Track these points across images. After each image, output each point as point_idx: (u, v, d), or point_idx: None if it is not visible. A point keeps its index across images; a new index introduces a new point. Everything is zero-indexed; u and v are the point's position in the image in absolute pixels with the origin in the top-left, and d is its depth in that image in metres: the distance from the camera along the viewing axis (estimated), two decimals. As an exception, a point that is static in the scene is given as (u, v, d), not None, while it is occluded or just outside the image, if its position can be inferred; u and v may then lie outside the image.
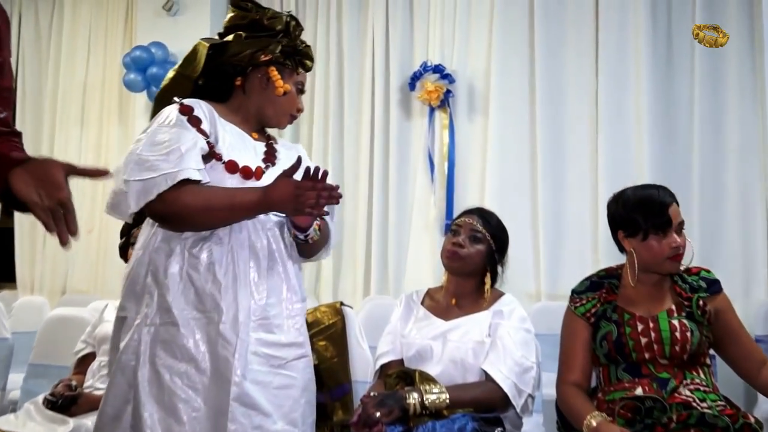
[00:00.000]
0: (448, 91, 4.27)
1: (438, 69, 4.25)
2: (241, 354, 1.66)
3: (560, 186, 4.12)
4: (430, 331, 2.22)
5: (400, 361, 2.23)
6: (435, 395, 2.00)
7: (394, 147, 4.43)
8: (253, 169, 1.78)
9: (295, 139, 4.62)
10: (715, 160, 3.90)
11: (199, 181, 1.68)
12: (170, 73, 1.90)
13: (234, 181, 1.74)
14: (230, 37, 1.86)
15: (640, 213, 1.98)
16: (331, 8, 4.66)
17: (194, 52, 1.85)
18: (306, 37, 4.59)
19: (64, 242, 1.37)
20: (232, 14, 1.91)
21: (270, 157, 1.87)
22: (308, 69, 1.95)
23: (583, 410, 1.93)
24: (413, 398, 1.98)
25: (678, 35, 4.01)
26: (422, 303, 2.33)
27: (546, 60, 4.19)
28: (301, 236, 1.79)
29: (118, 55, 5.11)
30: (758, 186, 3.82)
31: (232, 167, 1.75)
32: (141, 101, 4.88)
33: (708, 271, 2.05)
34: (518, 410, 2.06)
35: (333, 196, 1.66)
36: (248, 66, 1.84)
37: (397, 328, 2.30)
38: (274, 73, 1.84)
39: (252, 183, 1.75)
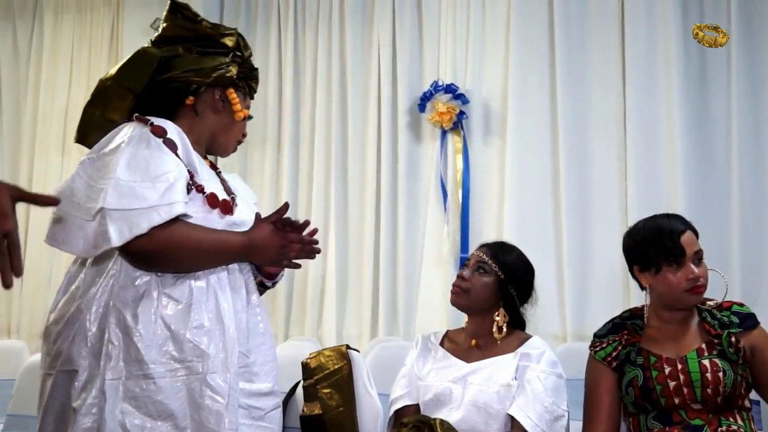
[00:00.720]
0: (462, 113, 4.28)
1: (450, 89, 4.27)
2: (233, 406, 1.64)
3: (586, 217, 4.13)
4: (450, 373, 2.20)
5: (417, 407, 2.22)
6: None
7: (403, 174, 4.44)
8: (228, 203, 1.78)
9: (294, 166, 4.67)
10: (756, 185, 3.92)
11: (186, 216, 1.65)
12: (104, 79, 1.84)
13: (214, 217, 1.72)
14: (180, 50, 1.84)
15: (651, 244, 2.03)
16: (333, 23, 4.69)
17: (138, 60, 1.80)
18: (306, 53, 4.75)
19: (6, 284, 1.28)
20: (172, 23, 1.87)
21: (228, 188, 1.87)
22: (253, 94, 1.97)
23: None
24: None
25: (711, 50, 4.01)
26: (441, 344, 2.32)
27: (568, 78, 4.21)
28: (269, 283, 1.88)
29: (101, 74, 5.16)
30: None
31: (212, 201, 1.73)
32: (128, 126, 4.92)
33: (741, 305, 2.06)
34: None
35: (314, 251, 1.77)
36: (202, 86, 1.82)
37: (413, 370, 2.28)
38: (233, 95, 1.84)
39: (227, 218, 1.74)
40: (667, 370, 1.97)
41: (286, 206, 1.79)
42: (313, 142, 4.65)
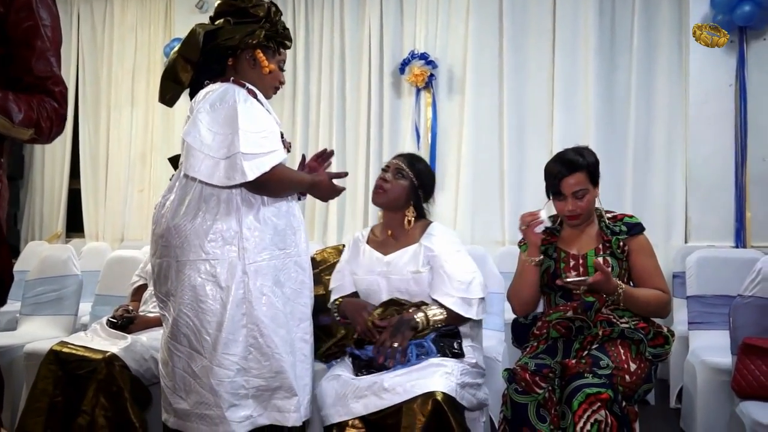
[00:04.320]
0: (432, 75, 4.26)
1: (423, 56, 4.24)
2: (310, 278, 1.83)
3: (522, 151, 4.15)
4: (374, 268, 2.12)
5: (354, 293, 2.17)
6: (434, 311, 1.98)
7: (387, 121, 4.44)
8: (288, 143, 1.85)
9: (306, 115, 4.66)
10: (647, 126, 3.93)
11: None
12: (172, 55, 1.83)
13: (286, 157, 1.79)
14: (220, 22, 1.83)
15: (546, 180, 2.04)
16: (334, 6, 4.62)
17: (192, 35, 1.78)
18: (311, 30, 4.66)
19: None
20: (220, 2, 1.86)
21: None
22: (288, 48, 1.93)
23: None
24: (420, 317, 1.95)
25: (620, 26, 4.00)
26: (367, 242, 2.21)
27: (512, 48, 4.19)
28: (301, 197, 1.93)
29: (159, 45, 5.09)
30: (680, 153, 3.86)
31: (288, 147, 1.80)
32: (180, 85, 4.89)
33: (631, 217, 2.05)
34: (474, 317, 2.02)
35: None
36: (238, 49, 1.81)
37: (345, 267, 2.20)
38: (260, 55, 1.82)
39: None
40: (572, 263, 2.00)
41: (329, 152, 1.95)
42: (319, 98, 4.63)
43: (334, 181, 1.90)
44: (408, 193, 2.12)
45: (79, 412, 2.08)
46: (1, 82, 1.38)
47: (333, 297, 2.18)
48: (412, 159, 2.18)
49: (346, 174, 1.98)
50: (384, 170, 2.16)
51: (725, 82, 3.72)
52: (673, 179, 3.87)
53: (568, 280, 1.92)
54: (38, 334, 2.95)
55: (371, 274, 2.12)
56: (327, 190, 1.89)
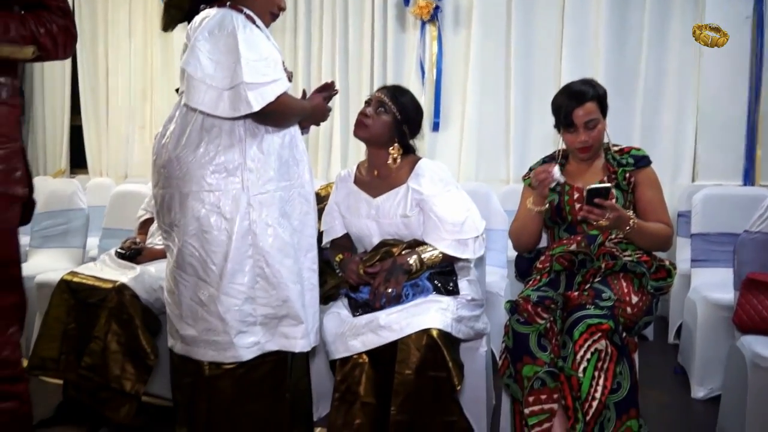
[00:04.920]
0: (437, 7, 4.14)
1: (429, -13, 4.09)
2: (314, 210, 1.82)
3: (529, 87, 4.06)
4: (363, 211, 2.08)
5: (346, 235, 2.15)
6: (429, 252, 1.96)
7: (391, 56, 4.34)
8: (290, 72, 1.81)
9: (308, 48, 4.55)
10: (658, 60, 3.82)
11: None
12: None
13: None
14: None
15: (555, 114, 2.02)
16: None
17: None
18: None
19: None
20: None
21: None
22: None
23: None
24: (413, 260, 1.94)
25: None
26: (354, 181, 2.15)
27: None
28: (304, 132, 1.90)
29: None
30: (691, 88, 3.77)
31: (289, 76, 1.75)
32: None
33: (638, 149, 2.03)
34: (471, 257, 1.99)
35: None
36: None
37: (334, 208, 2.16)
38: None
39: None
40: (576, 195, 1.99)
41: (333, 85, 1.91)
42: (321, 29, 4.52)
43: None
44: (391, 128, 2.04)
45: (92, 338, 2.14)
46: None
47: (325, 240, 2.16)
48: (395, 92, 2.08)
49: (336, 92, 1.94)
50: (366, 103, 2.08)
51: (742, 14, 3.60)
52: (684, 116, 3.79)
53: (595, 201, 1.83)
54: (48, 266, 3.01)
55: (361, 218, 2.09)
56: (321, 111, 1.89)
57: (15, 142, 1.48)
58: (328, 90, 1.92)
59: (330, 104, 1.93)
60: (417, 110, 2.11)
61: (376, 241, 2.07)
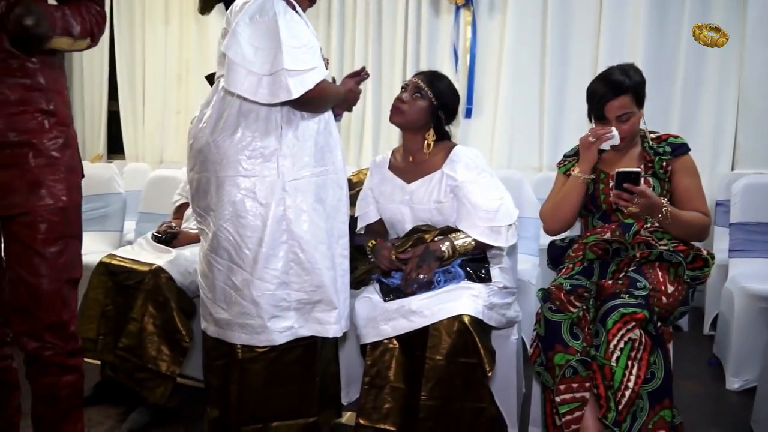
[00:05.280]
0: (472, -9, 4.07)
1: (464, -29, 4.02)
2: (347, 196, 1.84)
3: (564, 74, 3.98)
4: (397, 197, 2.08)
5: (380, 220, 2.16)
6: (462, 239, 1.95)
7: (425, 40, 4.29)
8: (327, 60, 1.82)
9: (341, 36, 4.54)
10: (700, 47, 3.59)
11: None
12: None
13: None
14: None
15: (589, 103, 1.97)
16: None
17: None
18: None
19: None
20: None
21: None
22: None
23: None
24: (446, 246, 1.92)
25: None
26: (389, 167, 2.16)
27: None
28: (337, 119, 1.90)
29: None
30: (733, 74, 3.65)
31: (326, 63, 1.76)
32: (213, 2, 4.81)
33: (676, 137, 1.98)
34: (504, 245, 1.98)
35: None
36: None
37: (369, 194, 2.17)
38: None
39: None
40: (611, 184, 1.93)
41: (364, 70, 1.91)
42: (355, 14, 4.49)
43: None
44: (427, 114, 2.03)
45: (129, 319, 2.19)
46: None
47: (359, 225, 2.18)
48: (432, 77, 2.07)
49: (368, 75, 1.94)
50: (403, 88, 2.08)
51: (787, -1, 3.48)
52: (725, 102, 3.68)
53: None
54: (87, 248, 3.05)
55: (394, 203, 2.09)
56: (354, 96, 1.91)
57: (72, 127, 1.59)
58: (359, 75, 1.92)
59: (360, 87, 1.95)
60: (453, 96, 2.10)
61: (409, 226, 2.06)
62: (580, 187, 1.99)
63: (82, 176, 1.62)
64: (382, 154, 2.23)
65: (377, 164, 2.21)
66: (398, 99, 2.05)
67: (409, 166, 2.11)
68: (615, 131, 1.90)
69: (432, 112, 2.04)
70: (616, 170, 1.80)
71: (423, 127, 2.06)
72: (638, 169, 1.82)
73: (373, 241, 2.11)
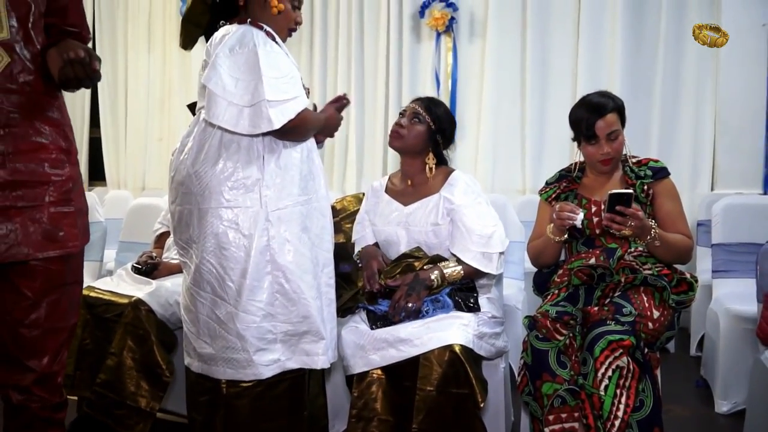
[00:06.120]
0: (452, 18, 4.11)
1: (443, -2, 4.08)
2: (331, 224, 1.81)
3: (544, 98, 4.03)
4: (393, 219, 2.09)
5: (375, 244, 2.15)
6: (451, 268, 1.95)
7: (407, 66, 4.32)
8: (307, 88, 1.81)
9: (323, 61, 4.55)
10: (675, 68, 3.77)
11: None
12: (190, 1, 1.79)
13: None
14: None
15: (575, 126, 1.97)
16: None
17: None
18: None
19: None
20: None
21: None
22: None
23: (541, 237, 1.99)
24: (435, 275, 1.92)
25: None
26: (386, 190, 2.18)
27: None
28: (319, 146, 1.89)
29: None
30: (709, 96, 3.71)
31: (307, 92, 1.75)
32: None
33: (656, 161, 1.99)
34: (494, 272, 1.99)
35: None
36: None
37: (365, 217, 2.18)
38: None
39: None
40: (594, 209, 1.96)
41: (345, 97, 1.90)
42: (337, 41, 4.51)
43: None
44: (425, 138, 2.07)
45: (107, 353, 2.13)
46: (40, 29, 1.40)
47: (356, 248, 2.17)
48: (429, 103, 2.12)
49: (348, 102, 1.92)
50: (401, 114, 2.11)
51: (758, 22, 3.55)
52: (702, 124, 3.74)
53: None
54: (66, 280, 3.00)
55: (390, 225, 2.09)
56: (335, 123, 1.90)
57: (78, 164, 1.53)
58: (339, 102, 1.92)
59: (343, 114, 1.94)
60: (450, 121, 2.14)
61: (403, 249, 2.07)
62: (556, 245, 2.00)
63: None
64: (379, 180, 2.26)
65: (374, 189, 2.22)
66: (397, 124, 2.08)
67: (408, 189, 2.13)
68: (581, 217, 1.88)
69: (430, 136, 2.08)
70: (609, 192, 1.80)
71: (422, 152, 2.09)
72: (630, 191, 1.82)
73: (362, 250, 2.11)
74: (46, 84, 1.39)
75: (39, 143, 1.39)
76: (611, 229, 1.83)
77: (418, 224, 2.05)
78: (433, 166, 2.09)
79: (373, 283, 1.99)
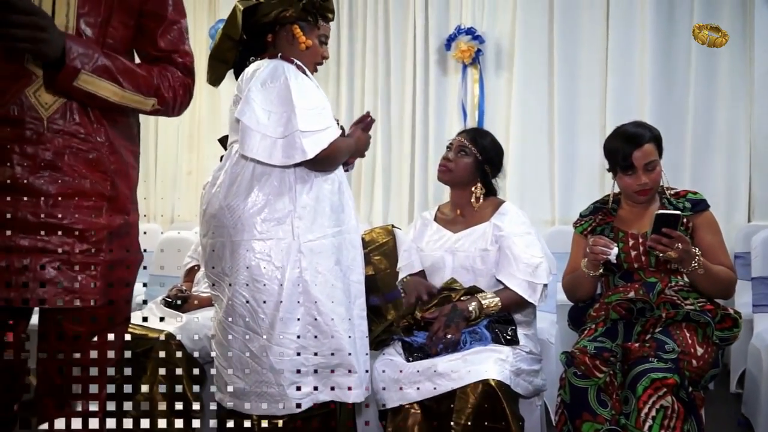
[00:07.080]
0: (479, 51, 4.13)
1: (470, 31, 4.11)
2: (361, 255, 1.81)
3: (573, 128, 4.00)
4: (441, 244, 2.11)
5: (422, 272, 2.15)
6: (489, 299, 1.95)
7: (433, 99, 4.34)
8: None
9: (350, 94, 4.60)
10: (708, 98, 3.71)
11: None
12: (218, 35, 1.81)
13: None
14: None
15: (611, 157, 1.95)
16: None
17: (233, 14, 1.76)
18: (355, 6, 4.59)
19: None
20: None
21: None
22: (329, 20, 1.86)
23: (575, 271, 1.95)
24: (473, 306, 1.92)
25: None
26: (435, 219, 2.22)
27: (563, 21, 4.01)
28: (348, 168, 1.92)
29: (204, 27, 5.10)
30: (743, 125, 3.66)
31: (338, 124, 1.77)
32: (224, 67, 4.91)
33: (695, 193, 1.96)
34: (536, 303, 1.99)
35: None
36: (276, 24, 1.77)
37: (412, 245, 2.18)
38: (297, 30, 1.77)
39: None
40: (631, 242, 1.93)
41: (369, 115, 1.91)
42: (364, 75, 4.55)
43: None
44: (473, 169, 2.10)
45: (137, 389, 2.12)
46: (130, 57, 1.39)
47: (401, 275, 2.15)
48: (475, 134, 2.17)
49: (373, 120, 1.93)
50: (448, 148, 2.16)
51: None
52: (736, 154, 3.67)
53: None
54: (96, 313, 3.02)
55: (438, 251, 2.11)
56: (364, 143, 1.90)
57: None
58: (364, 121, 1.93)
59: (370, 132, 1.95)
60: (497, 150, 2.17)
61: (449, 274, 2.07)
62: (591, 279, 1.96)
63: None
64: (428, 210, 2.31)
65: (423, 217, 2.27)
66: (444, 158, 2.13)
67: (457, 218, 2.17)
68: (615, 251, 1.86)
69: (478, 167, 2.11)
70: (656, 212, 1.76)
71: (470, 183, 2.13)
72: (678, 212, 1.78)
73: (407, 276, 2.11)
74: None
75: (78, 187, 1.33)
76: (655, 250, 1.79)
77: (466, 250, 2.07)
78: (481, 195, 2.12)
79: (429, 287, 2.01)
